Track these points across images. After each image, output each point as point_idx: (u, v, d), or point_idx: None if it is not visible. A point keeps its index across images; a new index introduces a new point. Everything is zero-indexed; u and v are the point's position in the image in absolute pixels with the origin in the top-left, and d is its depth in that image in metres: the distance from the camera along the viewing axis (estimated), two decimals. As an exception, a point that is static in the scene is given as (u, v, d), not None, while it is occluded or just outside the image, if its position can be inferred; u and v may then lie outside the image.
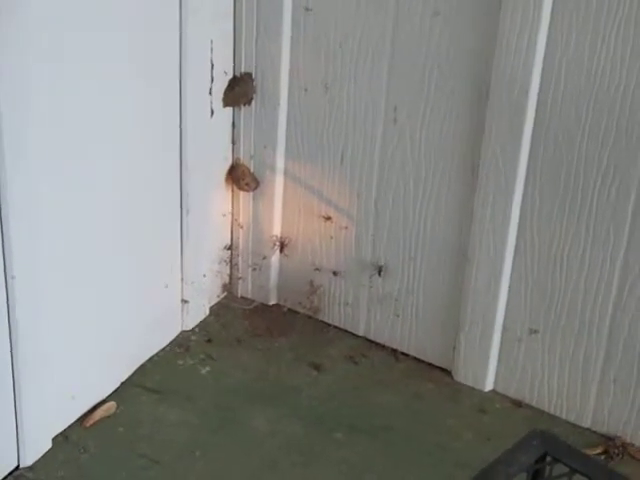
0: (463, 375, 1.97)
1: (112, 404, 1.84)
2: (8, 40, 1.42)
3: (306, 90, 1.95)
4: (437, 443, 1.84)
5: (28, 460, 1.72)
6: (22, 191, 1.53)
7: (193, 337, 2.06)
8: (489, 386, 1.96)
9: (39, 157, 1.55)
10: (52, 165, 1.59)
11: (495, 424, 1.89)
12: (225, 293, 2.18)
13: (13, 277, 1.55)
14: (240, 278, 2.17)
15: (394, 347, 2.05)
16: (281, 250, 2.11)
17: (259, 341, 2.06)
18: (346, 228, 2.01)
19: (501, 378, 1.95)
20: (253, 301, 2.18)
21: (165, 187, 1.91)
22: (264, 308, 2.16)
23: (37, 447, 1.73)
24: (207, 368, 1.98)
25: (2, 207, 1.51)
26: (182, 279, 2.01)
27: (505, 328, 1.91)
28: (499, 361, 1.94)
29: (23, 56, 1.45)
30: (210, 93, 1.92)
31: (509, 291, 1.88)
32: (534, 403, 1.92)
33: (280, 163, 2.03)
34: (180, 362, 1.99)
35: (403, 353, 2.04)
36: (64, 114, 1.59)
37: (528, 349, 1.90)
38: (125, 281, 1.85)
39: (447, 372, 1.99)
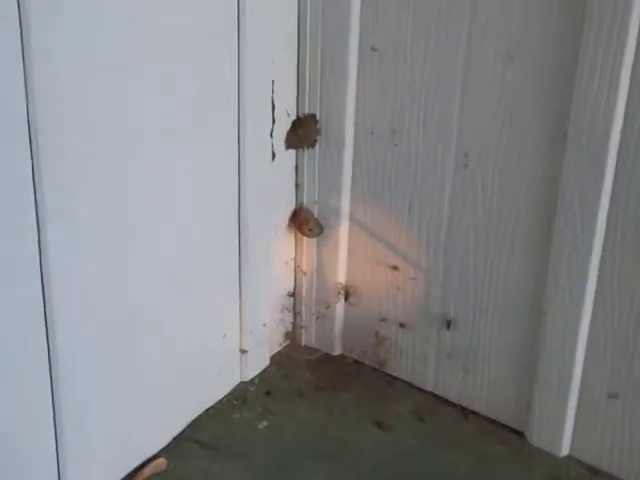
0: (537, 438, 1.84)
1: (162, 460, 1.76)
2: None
3: (372, 133, 1.86)
4: (506, 512, 1.72)
5: (72, 519, 1.65)
6: (69, 249, 1.48)
7: (252, 388, 1.97)
8: (565, 451, 1.82)
9: (84, 212, 1.49)
10: (102, 219, 1.53)
11: (570, 493, 1.76)
12: (287, 342, 2.10)
13: (54, 324, 1.49)
14: (303, 327, 2.08)
15: (463, 405, 1.93)
16: (346, 299, 2.02)
17: (321, 394, 1.96)
18: (414, 279, 1.91)
19: (578, 443, 1.81)
20: (317, 350, 2.09)
21: (223, 234, 1.83)
22: (328, 359, 2.07)
23: (82, 506, 1.66)
24: (265, 422, 1.88)
25: (44, 271, 1.45)
26: (241, 328, 1.92)
27: (583, 388, 1.77)
28: (576, 424, 1.80)
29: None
30: (271, 136, 1.85)
31: (587, 349, 1.75)
32: (613, 471, 1.78)
33: (345, 208, 1.95)
34: (236, 415, 1.90)
35: (473, 411, 1.92)
36: (119, 173, 1.54)
37: (608, 412, 1.76)
38: (180, 331, 1.77)
39: (520, 434, 1.87)
